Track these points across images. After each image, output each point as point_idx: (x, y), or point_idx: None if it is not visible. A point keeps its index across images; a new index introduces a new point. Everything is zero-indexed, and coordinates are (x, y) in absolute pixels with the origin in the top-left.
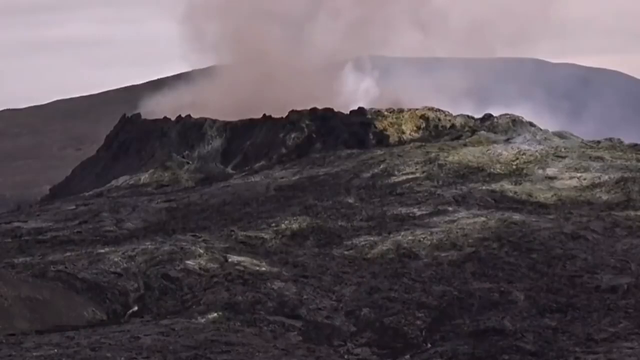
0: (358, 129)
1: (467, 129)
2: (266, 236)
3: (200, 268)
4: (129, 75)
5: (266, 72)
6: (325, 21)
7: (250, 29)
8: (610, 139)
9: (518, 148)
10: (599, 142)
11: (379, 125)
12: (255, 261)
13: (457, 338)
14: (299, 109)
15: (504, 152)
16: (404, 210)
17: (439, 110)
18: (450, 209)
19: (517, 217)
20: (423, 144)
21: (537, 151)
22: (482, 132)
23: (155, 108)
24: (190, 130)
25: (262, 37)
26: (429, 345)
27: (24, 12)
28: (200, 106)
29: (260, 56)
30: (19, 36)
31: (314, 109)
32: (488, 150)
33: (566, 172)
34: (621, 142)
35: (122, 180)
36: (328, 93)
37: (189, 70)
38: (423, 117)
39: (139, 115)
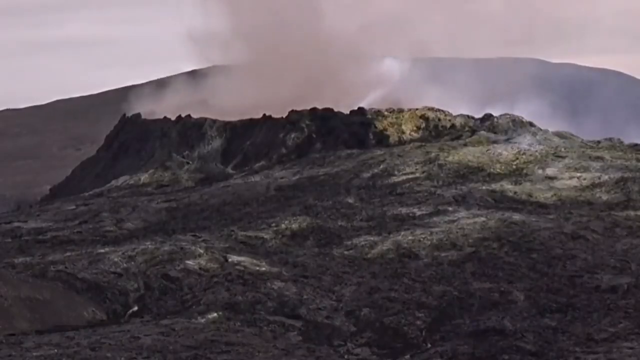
0: (358, 129)
1: (467, 129)
2: (266, 236)
3: (200, 268)
4: (129, 75)
5: (281, 70)
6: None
7: (261, 26)
8: (610, 139)
9: (518, 148)
10: (599, 142)
11: (379, 125)
12: (255, 261)
13: (457, 338)
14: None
15: (504, 152)
16: (404, 210)
17: (439, 110)
18: (450, 209)
19: (517, 217)
20: (423, 144)
21: (537, 151)
22: (482, 132)
23: (168, 107)
24: (190, 130)
25: (274, 33)
26: (429, 345)
27: (23, 13)
28: (210, 105)
29: (274, 53)
30: (18, 36)
31: (314, 109)
32: (488, 150)
33: (566, 172)
34: (621, 142)
35: (122, 180)
36: (343, 91)
37: (192, 70)
38: (423, 117)
39: (139, 115)
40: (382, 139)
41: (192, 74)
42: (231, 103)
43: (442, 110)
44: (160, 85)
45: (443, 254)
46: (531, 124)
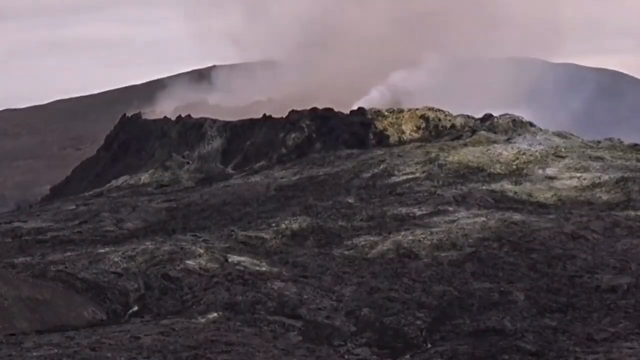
0: (358, 129)
1: (467, 129)
2: (266, 236)
3: (200, 268)
4: (129, 75)
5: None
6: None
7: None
8: (610, 139)
9: (518, 148)
10: (599, 142)
11: (379, 125)
12: (255, 261)
13: (457, 338)
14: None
15: (504, 152)
16: (404, 210)
17: (439, 110)
18: (450, 209)
19: (517, 217)
20: (423, 144)
21: (537, 151)
22: (482, 132)
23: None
24: (190, 130)
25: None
26: (429, 345)
27: (24, 14)
28: (211, 105)
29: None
30: (19, 37)
31: (314, 109)
32: (488, 150)
33: (566, 172)
34: (621, 142)
35: (122, 180)
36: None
37: (192, 70)
38: (423, 117)
39: (139, 115)
40: (382, 139)
41: (192, 74)
42: (235, 102)
43: (442, 110)
44: (160, 85)
45: (443, 254)
46: (531, 124)
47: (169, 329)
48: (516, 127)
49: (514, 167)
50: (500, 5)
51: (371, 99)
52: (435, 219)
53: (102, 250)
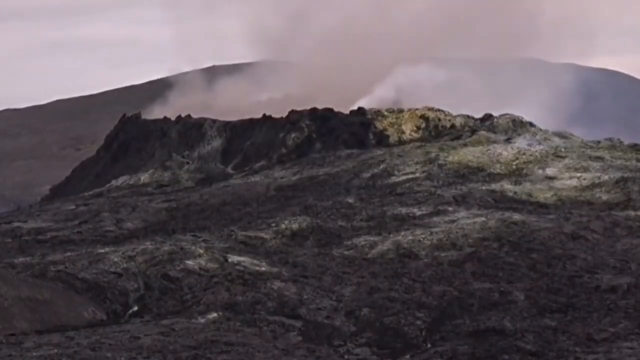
0: (358, 129)
1: (467, 129)
2: (266, 236)
3: (200, 268)
4: (129, 75)
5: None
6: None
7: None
8: (610, 139)
9: (518, 148)
10: (599, 142)
11: (379, 125)
12: (255, 261)
13: (457, 338)
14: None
15: (504, 152)
16: (404, 210)
17: (439, 110)
18: (450, 209)
19: (517, 217)
20: (423, 144)
21: (537, 151)
22: (482, 132)
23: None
24: (190, 130)
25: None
26: (429, 345)
27: (25, 15)
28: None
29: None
30: (21, 37)
31: (314, 109)
32: (488, 150)
33: (566, 172)
34: (621, 142)
35: (122, 180)
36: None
37: (192, 70)
38: (423, 117)
39: (139, 115)
40: (382, 139)
41: (192, 74)
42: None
43: (442, 110)
44: (160, 85)
45: (443, 254)
46: (531, 124)
47: (169, 329)
48: (516, 127)
49: (514, 167)
50: (503, 6)
51: (372, 98)
52: (435, 219)
53: (102, 250)
